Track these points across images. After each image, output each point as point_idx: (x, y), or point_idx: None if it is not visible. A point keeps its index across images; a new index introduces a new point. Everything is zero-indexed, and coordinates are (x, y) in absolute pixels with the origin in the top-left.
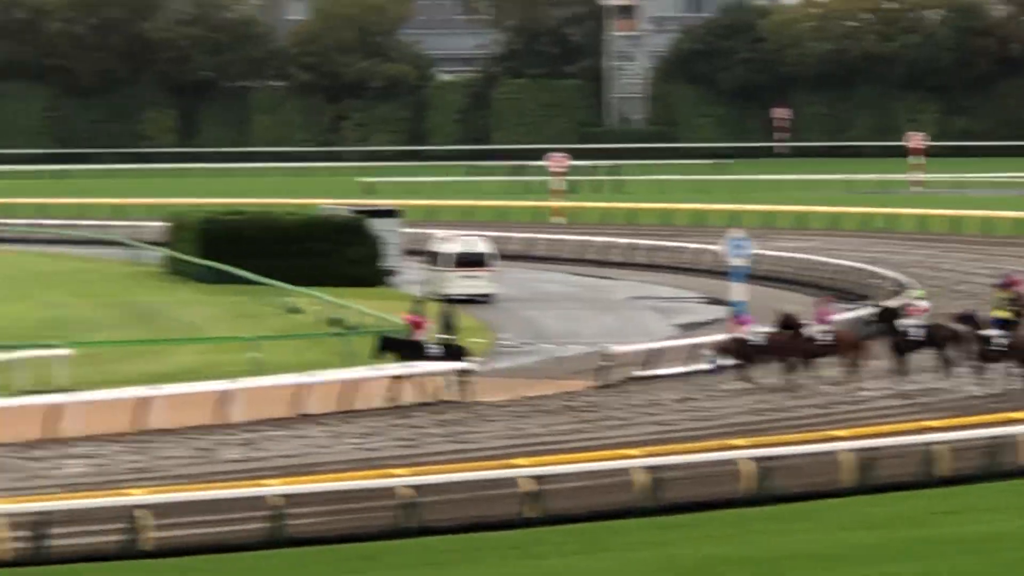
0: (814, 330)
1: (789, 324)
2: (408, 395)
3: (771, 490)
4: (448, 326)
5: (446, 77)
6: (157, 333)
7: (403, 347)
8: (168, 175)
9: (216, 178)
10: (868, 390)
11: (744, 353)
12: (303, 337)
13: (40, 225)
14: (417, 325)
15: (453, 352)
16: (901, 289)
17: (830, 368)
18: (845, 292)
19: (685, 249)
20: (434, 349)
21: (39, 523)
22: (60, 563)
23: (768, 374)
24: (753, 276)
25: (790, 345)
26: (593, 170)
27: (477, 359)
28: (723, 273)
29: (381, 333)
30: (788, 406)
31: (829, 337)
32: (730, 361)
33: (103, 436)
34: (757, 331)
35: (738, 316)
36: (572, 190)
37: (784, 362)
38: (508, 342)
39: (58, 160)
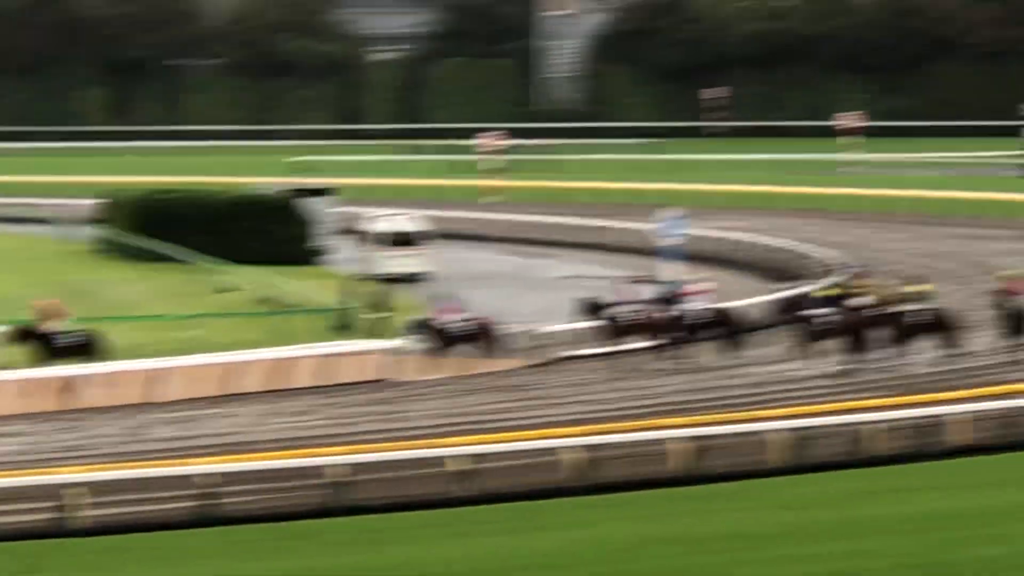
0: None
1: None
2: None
3: (702, 470)
4: (381, 305)
5: (380, 56)
6: (92, 311)
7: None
8: (100, 154)
9: (147, 157)
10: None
11: (445, 339)
12: (237, 316)
13: None
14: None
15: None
16: (828, 269)
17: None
18: (779, 272)
19: (618, 229)
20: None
21: None
22: None
23: (703, 353)
24: (687, 256)
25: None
26: (526, 149)
27: (413, 337)
28: (656, 252)
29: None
30: (720, 386)
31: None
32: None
33: (35, 414)
34: (456, 318)
35: (441, 303)
36: (505, 169)
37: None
38: None
39: None
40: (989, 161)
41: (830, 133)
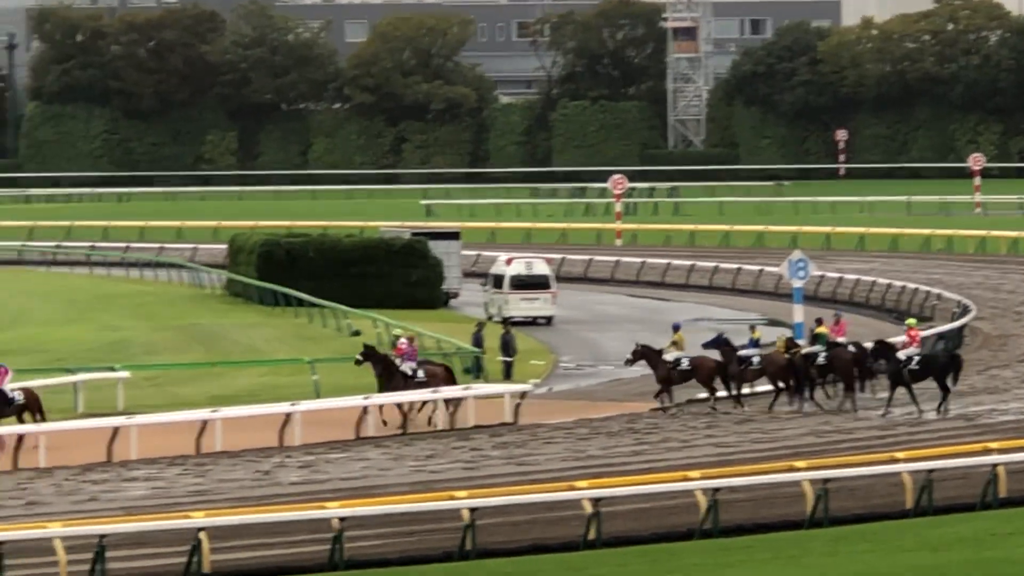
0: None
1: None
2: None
3: (832, 512)
4: (508, 348)
5: (506, 99)
6: (217, 355)
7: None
8: (228, 198)
9: (275, 201)
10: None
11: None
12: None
13: (100, 248)
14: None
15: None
16: (963, 310)
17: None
18: (906, 314)
19: (745, 271)
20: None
21: (99, 546)
22: None
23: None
24: (813, 298)
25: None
26: (652, 192)
27: (536, 381)
28: (784, 295)
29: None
30: (849, 428)
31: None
32: None
33: (163, 458)
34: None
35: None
36: (631, 212)
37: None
38: (568, 364)
39: (119, 183)
40: None
41: (958, 174)
